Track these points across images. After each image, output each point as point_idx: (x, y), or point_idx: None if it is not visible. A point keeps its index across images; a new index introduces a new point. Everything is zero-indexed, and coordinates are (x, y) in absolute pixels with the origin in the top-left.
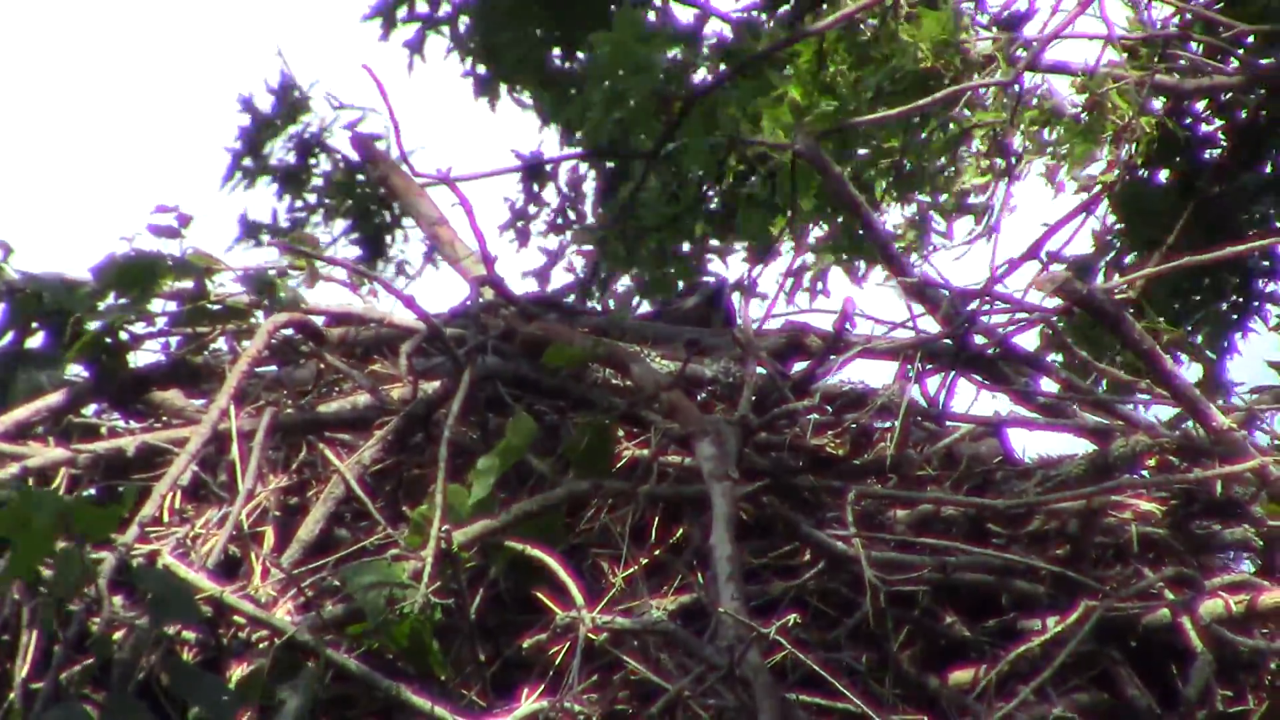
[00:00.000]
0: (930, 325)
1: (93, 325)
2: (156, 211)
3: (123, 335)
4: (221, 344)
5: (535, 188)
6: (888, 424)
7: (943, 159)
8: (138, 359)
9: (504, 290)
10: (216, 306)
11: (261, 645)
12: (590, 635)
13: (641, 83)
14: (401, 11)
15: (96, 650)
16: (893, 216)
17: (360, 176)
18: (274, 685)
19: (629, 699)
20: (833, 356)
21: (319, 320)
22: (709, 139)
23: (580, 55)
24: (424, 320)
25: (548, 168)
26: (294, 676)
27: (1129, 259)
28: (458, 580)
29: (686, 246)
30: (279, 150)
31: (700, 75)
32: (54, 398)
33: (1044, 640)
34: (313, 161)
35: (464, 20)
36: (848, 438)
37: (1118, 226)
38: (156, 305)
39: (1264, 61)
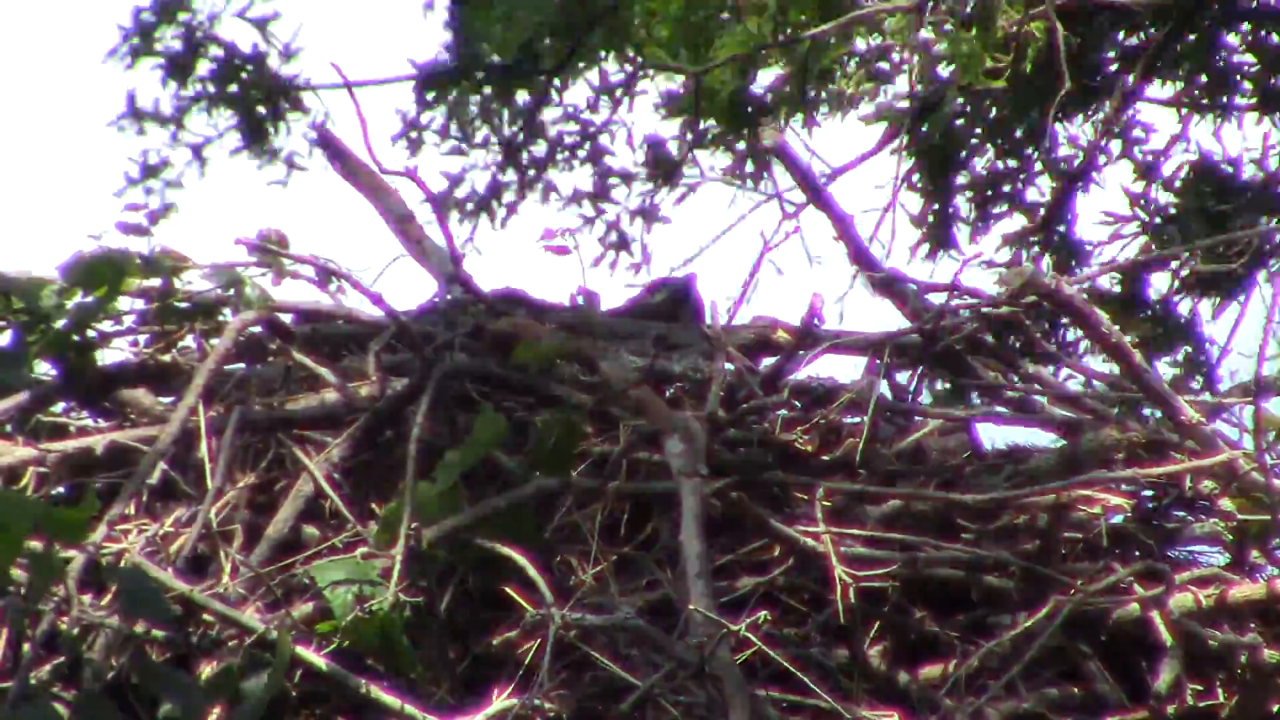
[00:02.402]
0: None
1: (60, 323)
2: (126, 210)
3: (90, 333)
4: (189, 342)
5: (429, 97)
6: (857, 419)
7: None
8: (105, 357)
9: (472, 287)
10: (184, 304)
11: (231, 644)
12: (560, 632)
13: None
14: None
15: (67, 649)
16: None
17: (249, 67)
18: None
19: (599, 696)
20: (801, 352)
21: (287, 318)
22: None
23: None
24: (392, 317)
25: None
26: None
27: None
28: (427, 578)
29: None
30: (168, 37)
31: None
32: (21, 396)
33: (1014, 635)
34: (200, 50)
35: None
36: (817, 433)
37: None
38: (124, 303)
39: None
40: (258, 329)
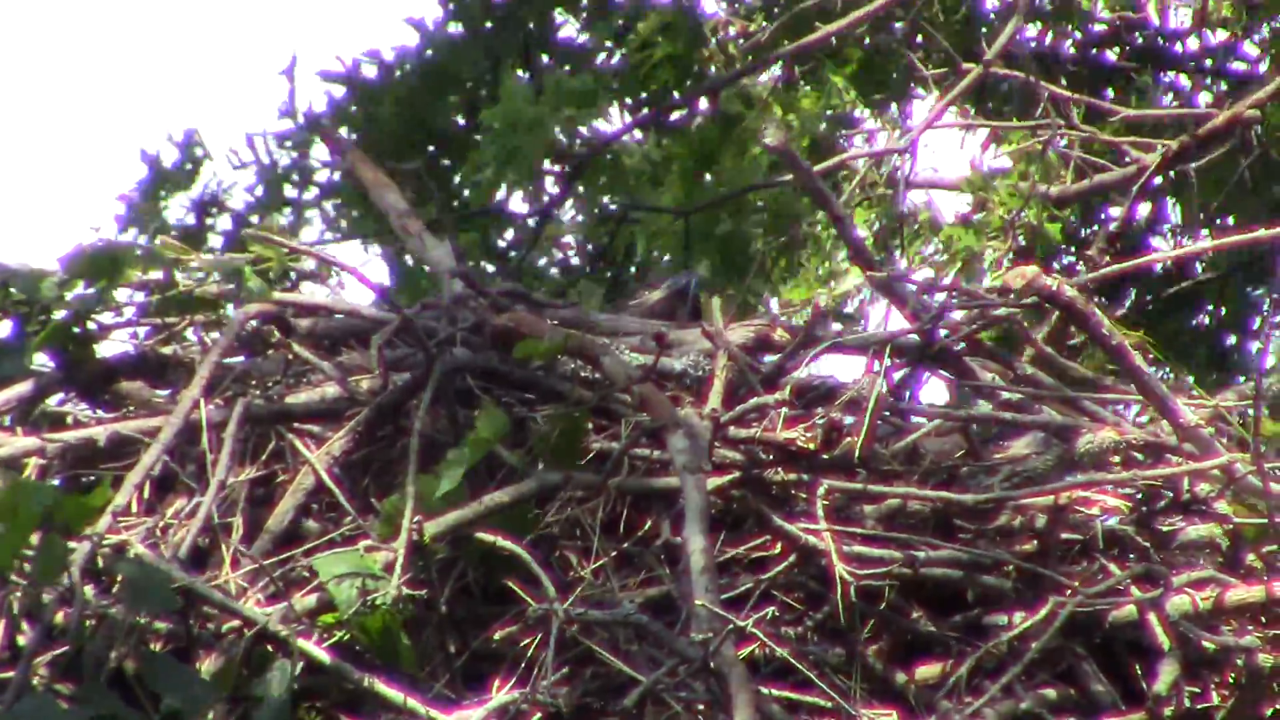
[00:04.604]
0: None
1: (60, 315)
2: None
3: (90, 325)
4: (190, 335)
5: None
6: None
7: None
8: (105, 349)
9: (474, 282)
10: (185, 297)
11: (231, 636)
12: (563, 627)
13: (535, 140)
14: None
15: (71, 640)
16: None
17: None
18: (245, 676)
19: (598, 692)
20: (802, 351)
21: (288, 311)
22: (601, 203)
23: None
24: (395, 312)
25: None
26: (264, 667)
27: None
28: (428, 572)
29: None
30: (176, 210)
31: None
32: (21, 387)
33: (1011, 636)
34: (210, 221)
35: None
36: (817, 432)
37: None
38: (124, 295)
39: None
40: (259, 322)
